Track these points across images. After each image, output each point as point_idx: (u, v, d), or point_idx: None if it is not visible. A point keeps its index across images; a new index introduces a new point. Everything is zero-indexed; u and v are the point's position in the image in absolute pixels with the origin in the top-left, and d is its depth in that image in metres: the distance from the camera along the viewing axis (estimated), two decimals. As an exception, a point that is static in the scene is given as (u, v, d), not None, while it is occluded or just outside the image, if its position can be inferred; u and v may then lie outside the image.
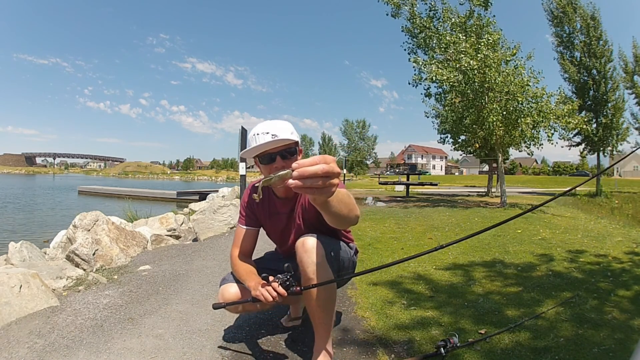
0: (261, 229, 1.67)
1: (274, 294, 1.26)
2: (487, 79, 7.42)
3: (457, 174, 69.95)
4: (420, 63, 8.13)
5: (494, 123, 7.61)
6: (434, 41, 8.27)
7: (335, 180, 0.71)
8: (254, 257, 1.67)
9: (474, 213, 6.85)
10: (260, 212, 1.59)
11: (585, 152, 14.09)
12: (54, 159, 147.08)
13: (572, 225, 5.80)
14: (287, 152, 1.34)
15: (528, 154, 8.81)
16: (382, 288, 2.56)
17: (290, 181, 0.68)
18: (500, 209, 7.71)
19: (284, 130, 1.32)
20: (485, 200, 10.69)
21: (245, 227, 1.59)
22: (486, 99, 7.76)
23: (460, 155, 23.81)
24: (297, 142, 1.38)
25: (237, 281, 1.55)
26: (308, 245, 1.34)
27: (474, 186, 21.55)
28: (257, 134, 1.31)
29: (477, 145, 10.60)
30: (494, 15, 8.22)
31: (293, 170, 0.68)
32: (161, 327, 1.89)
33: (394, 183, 13.65)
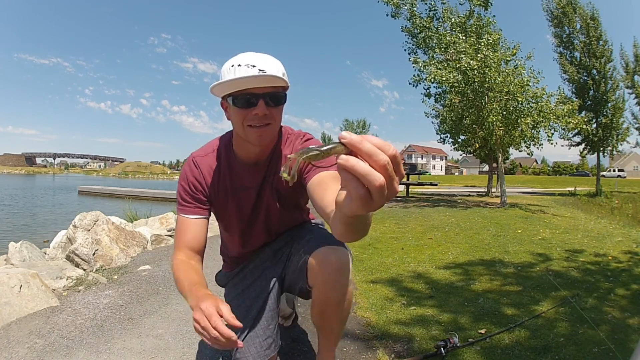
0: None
1: (221, 331, 0.78)
2: (487, 79, 7.42)
3: (457, 174, 69.96)
4: (420, 64, 8.14)
5: (494, 123, 7.62)
6: (434, 41, 8.28)
7: (397, 184, 0.43)
8: None
9: (474, 213, 6.85)
10: (218, 191, 1.16)
11: (585, 152, 14.12)
12: (54, 159, 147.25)
13: (572, 225, 5.80)
14: (274, 96, 0.98)
15: (528, 154, 8.83)
16: (382, 287, 2.56)
17: (342, 160, 0.41)
18: (500, 209, 7.71)
19: (274, 66, 0.98)
20: (485, 200, 10.69)
21: (191, 216, 1.13)
22: (486, 99, 7.76)
23: (460, 155, 23.86)
24: (287, 88, 1.04)
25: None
26: (342, 262, 1.05)
27: (474, 186, 21.55)
28: (239, 65, 0.95)
29: (477, 145, 10.62)
30: (494, 15, 8.25)
31: (343, 144, 0.42)
32: (161, 327, 1.89)
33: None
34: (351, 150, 0.42)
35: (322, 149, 0.44)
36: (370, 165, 0.41)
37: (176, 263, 1.08)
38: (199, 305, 0.83)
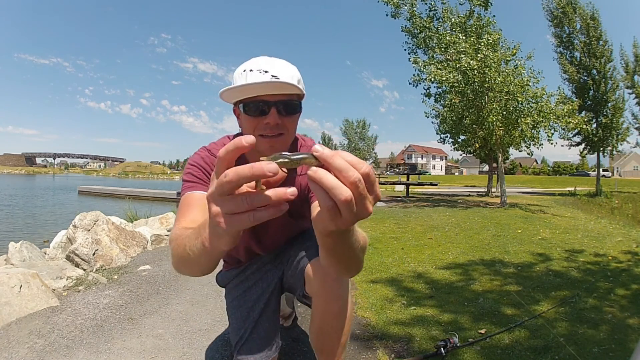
0: None
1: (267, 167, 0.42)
2: (487, 79, 7.43)
3: (457, 174, 69.98)
4: (420, 64, 8.15)
5: (494, 123, 7.63)
6: (434, 41, 8.29)
7: (370, 204, 0.43)
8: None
9: (474, 213, 6.85)
10: None
11: (585, 152, 14.12)
12: (54, 159, 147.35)
13: (572, 225, 5.81)
14: (287, 105, 0.92)
15: (528, 154, 8.84)
16: (382, 287, 2.56)
17: (311, 171, 0.41)
18: (500, 208, 7.71)
19: (289, 73, 0.92)
20: (485, 200, 10.69)
21: (203, 192, 0.94)
22: (486, 99, 7.77)
23: (460, 155, 23.88)
24: (302, 97, 0.98)
25: None
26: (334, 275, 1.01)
27: (474, 186, 21.55)
28: (251, 71, 0.90)
29: (477, 145, 10.62)
30: (494, 15, 8.25)
31: (315, 157, 0.42)
32: (161, 327, 1.89)
33: (394, 183, 13.65)
34: (323, 164, 0.42)
35: (293, 157, 0.43)
36: (340, 180, 0.40)
37: (178, 230, 0.77)
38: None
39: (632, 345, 1.70)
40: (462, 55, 7.45)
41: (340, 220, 0.43)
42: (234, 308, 1.25)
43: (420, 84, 8.63)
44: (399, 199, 10.52)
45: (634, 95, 14.25)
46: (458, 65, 7.47)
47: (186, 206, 0.91)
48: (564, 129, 8.82)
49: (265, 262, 1.27)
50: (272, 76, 0.89)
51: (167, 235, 4.29)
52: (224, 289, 1.36)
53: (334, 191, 0.40)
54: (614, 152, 14.29)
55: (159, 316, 2.04)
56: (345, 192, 0.40)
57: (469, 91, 7.79)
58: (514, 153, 34.22)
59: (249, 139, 0.43)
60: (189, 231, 0.70)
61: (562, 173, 67.02)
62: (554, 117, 7.74)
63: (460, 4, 8.54)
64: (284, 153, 0.43)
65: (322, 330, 1.07)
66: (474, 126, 8.51)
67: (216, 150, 1.04)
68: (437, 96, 9.45)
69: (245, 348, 1.16)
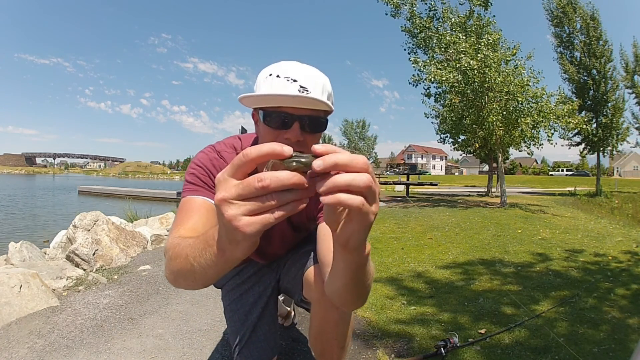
0: None
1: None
2: (487, 79, 7.42)
3: (457, 174, 69.96)
4: (420, 64, 8.14)
5: (494, 123, 7.62)
6: (434, 41, 8.28)
7: (375, 207, 0.45)
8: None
9: (474, 213, 6.85)
10: None
11: (585, 152, 14.12)
12: (54, 159, 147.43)
13: (572, 225, 5.81)
14: (313, 121, 0.80)
15: (528, 154, 8.82)
16: (382, 287, 2.56)
17: (325, 187, 0.41)
18: (500, 208, 7.71)
19: (319, 86, 0.81)
20: (485, 200, 10.68)
21: (205, 198, 0.87)
22: (486, 99, 7.77)
23: (460, 155, 23.88)
24: (330, 113, 0.86)
25: None
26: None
27: (474, 186, 21.55)
28: (277, 77, 0.79)
29: (477, 145, 10.61)
30: (494, 15, 8.24)
31: (315, 157, 0.42)
32: (161, 327, 1.89)
33: (394, 183, 13.65)
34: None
35: (303, 159, 0.42)
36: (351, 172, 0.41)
37: (176, 239, 0.70)
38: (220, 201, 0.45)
39: (632, 345, 1.70)
40: (462, 55, 7.45)
41: (369, 208, 0.43)
42: (232, 311, 1.24)
43: (420, 84, 8.62)
44: (399, 199, 10.52)
45: (634, 95, 14.24)
46: (458, 65, 7.46)
47: (185, 212, 0.84)
48: (564, 129, 8.82)
49: (262, 265, 1.27)
50: (301, 87, 0.78)
51: (167, 235, 4.28)
52: (220, 290, 1.36)
53: (354, 183, 0.41)
54: (614, 152, 14.28)
55: (159, 316, 2.04)
56: (364, 177, 0.41)
57: (469, 91, 7.78)
58: (514, 153, 34.26)
59: (289, 150, 0.42)
60: (189, 240, 0.63)
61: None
62: (554, 117, 7.74)
63: (460, 4, 8.53)
64: (294, 155, 0.42)
65: (321, 336, 1.06)
66: (474, 126, 8.50)
67: (226, 153, 0.98)
68: (437, 96, 9.43)
69: (244, 351, 1.16)
